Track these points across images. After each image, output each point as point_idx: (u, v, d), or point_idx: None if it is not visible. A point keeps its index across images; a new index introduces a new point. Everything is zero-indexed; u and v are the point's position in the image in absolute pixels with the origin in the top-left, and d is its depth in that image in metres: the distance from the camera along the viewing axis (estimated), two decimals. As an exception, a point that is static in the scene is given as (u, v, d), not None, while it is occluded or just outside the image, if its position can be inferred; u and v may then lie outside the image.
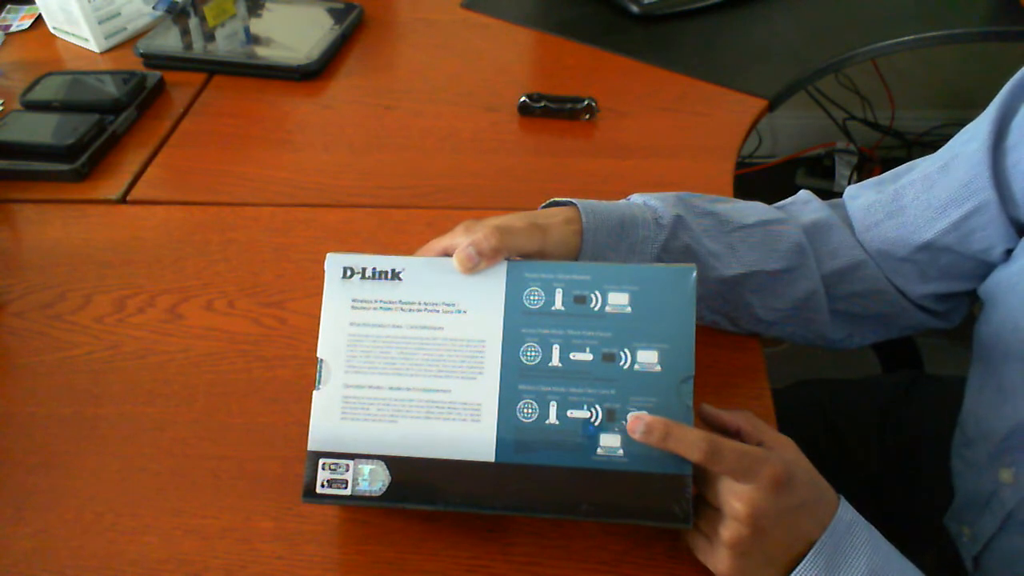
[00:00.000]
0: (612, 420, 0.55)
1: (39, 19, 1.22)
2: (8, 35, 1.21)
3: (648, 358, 0.56)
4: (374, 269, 0.58)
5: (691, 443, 0.52)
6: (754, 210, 0.69)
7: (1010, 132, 0.62)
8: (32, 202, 0.91)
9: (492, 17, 1.20)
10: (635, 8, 1.16)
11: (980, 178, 0.63)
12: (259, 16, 1.20)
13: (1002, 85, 0.64)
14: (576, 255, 0.62)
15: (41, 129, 0.96)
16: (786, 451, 0.55)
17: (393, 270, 0.58)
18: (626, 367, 0.56)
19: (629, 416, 0.54)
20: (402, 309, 0.58)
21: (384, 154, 0.96)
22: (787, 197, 0.74)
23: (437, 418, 0.56)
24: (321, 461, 0.57)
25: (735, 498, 0.51)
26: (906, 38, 1.11)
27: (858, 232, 0.70)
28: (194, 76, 1.09)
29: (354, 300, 0.58)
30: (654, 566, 0.58)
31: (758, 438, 0.56)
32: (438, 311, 0.58)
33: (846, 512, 0.54)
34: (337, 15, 1.17)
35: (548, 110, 0.99)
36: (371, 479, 0.56)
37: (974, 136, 0.65)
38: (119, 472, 0.65)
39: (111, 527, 0.61)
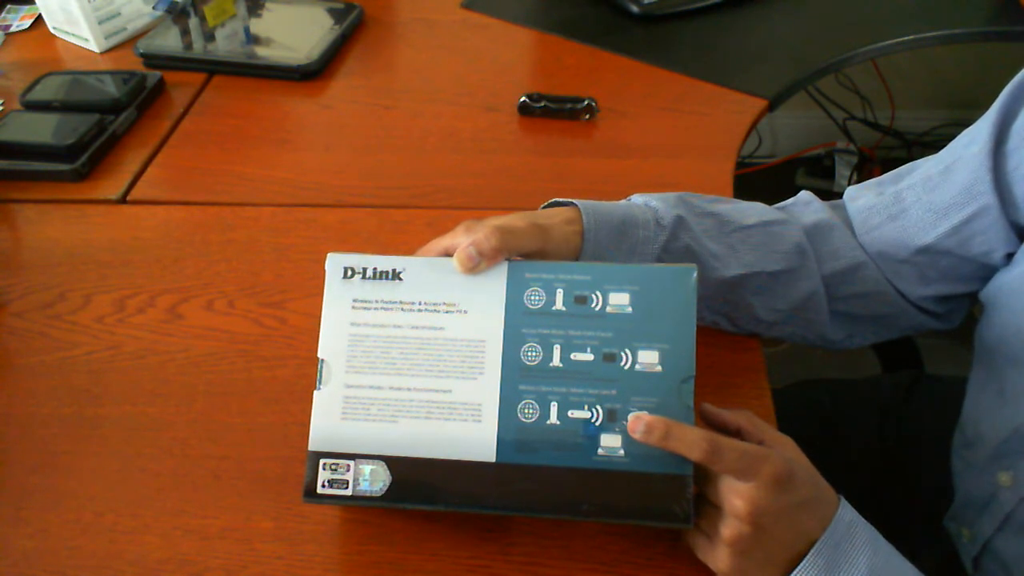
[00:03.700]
0: (613, 420, 0.55)
1: (39, 19, 1.22)
2: (8, 35, 1.21)
3: (649, 358, 0.56)
4: (375, 269, 0.58)
5: (691, 442, 0.52)
6: (755, 211, 0.69)
7: (1010, 136, 0.62)
8: (32, 202, 0.91)
9: (492, 17, 1.20)
10: (635, 8, 1.16)
11: (981, 182, 0.63)
12: (259, 16, 1.20)
13: (1002, 85, 0.64)
14: (577, 255, 0.62)
15: (41, 129, 0.96)
16: (787, 450, 0.55)
17: (394, 270, 0.58)
18: (627, 367, 0.56)
19: (629, 416, 0.54)
20: (403, 309, 0.58)
21: (384, 154, 0.96)
22: (787, 197, 0.74)
23: (438, 418, 0.56)
24: (322, 461, 0.57)
25: (736, 496, 0.51)
26: (906, 38, 1.11)
27: (858, 234, 0.70)
28: (194, 76, 1.09)
29: (355, 300, 0.58)
30: (654, 566, 0.58)
31: (759, 437, 0.56)
32: (439, 311, 0.58)
33: (846, 512, 0.54)
34: (337, 15, 1.17)
35: (548, 110, 0.99)
36: (372, 479, 0.56)
37: (975, 139, 0.65)
38: (119, 472, 0.65)
39: (111, 527, 0.61)
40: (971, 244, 0.65)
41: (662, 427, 0.53)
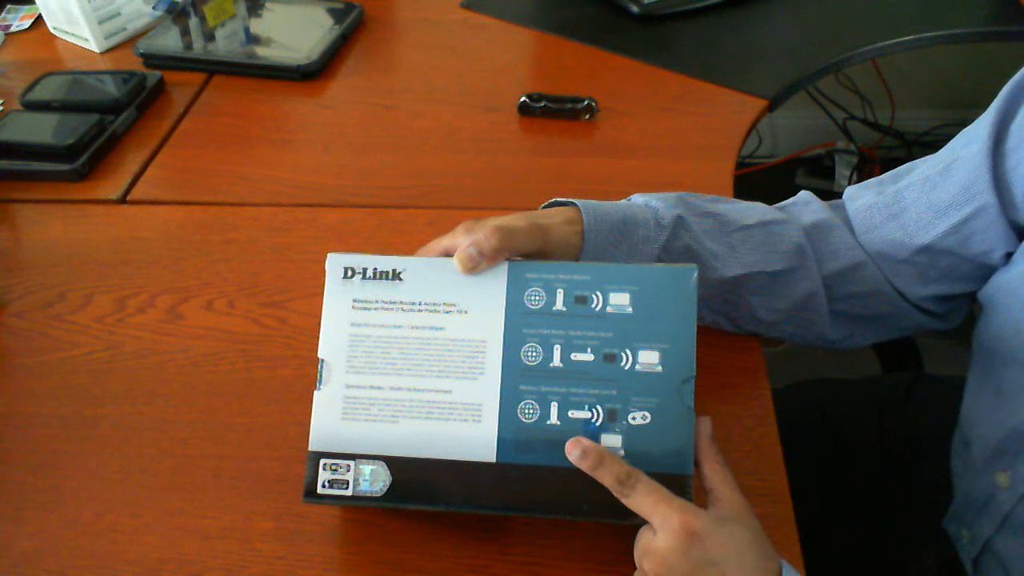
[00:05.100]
0: (613, 420, 0.55)
1: (39, 19, 1.22)
2: (8, 35, 1.21)
3: (649, 358, 0.56)
4: (375, 269, 0.58)
5: (614, 474, 0.52)
6: (755, 211, 0.69)
7: (1009, 135, 0.62)
8: (32, 202, 0.91)
9: (492, 17, 1.20)
10: (635, 8, 1.16)
11: (980, 181, 0.63)
12: (259, 16, 1.20)
13: (1002, 85, 0.64)
14: (577, 255, 0.62)
15: (41, 129, 0.96)
16: (731, 509, 0.53)
17: (394, 270, 0.58)
18: (627, 367, 0.56)
19: (568, 440, 0.54)
20: (403, 309, 0.58)
21: (384, 154, 0.96)
22: (787, 197, 0.74)
23: (438, 418, 0.56)
24: (322, 461, 0.57)
25: (644, 555, 0.51)
26: (906, 38, 1.11)
27: (858, 233, 0.70)
28: (194, 76, 1.09)
29: (355, 300, 0.58)
30: (654, 566, 0.58)
31: (709, 485, 0.54)
32: (439, 311, 0.58)
33: None
34: (337, 15, 1.17)
35: (548, 110, 0.99)
36: (372, 479, 0.56)
37: (974, 138, 0.64)
38: (119, 472, 0.65)
39: (111, 527, 0.61)
40: (970, 243, 0.65)
41: (596, 456, 0.52)
